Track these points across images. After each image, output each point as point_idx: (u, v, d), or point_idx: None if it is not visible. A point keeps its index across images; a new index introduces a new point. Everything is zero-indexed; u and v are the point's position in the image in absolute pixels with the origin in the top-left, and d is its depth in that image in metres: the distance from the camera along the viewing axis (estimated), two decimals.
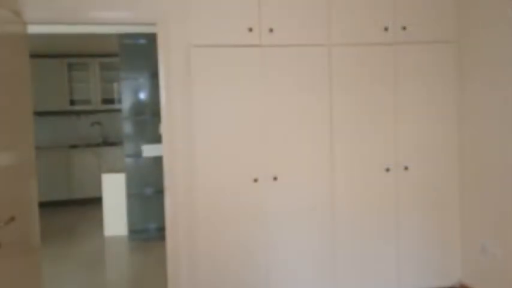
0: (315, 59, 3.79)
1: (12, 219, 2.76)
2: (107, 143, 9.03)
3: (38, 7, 3.51)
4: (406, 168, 3.96)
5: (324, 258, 3.89)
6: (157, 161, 5.73)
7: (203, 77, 3.63)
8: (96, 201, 7.42)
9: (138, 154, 6.36)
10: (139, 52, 6.32)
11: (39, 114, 8.38)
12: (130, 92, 6.46)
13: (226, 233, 3.73)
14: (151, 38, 4.21)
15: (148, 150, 6.23)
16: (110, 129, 9.21)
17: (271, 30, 3.68)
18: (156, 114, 4.89)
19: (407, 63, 3.92)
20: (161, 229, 5.00)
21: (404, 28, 3.88)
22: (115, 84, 8.91)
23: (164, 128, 3.81)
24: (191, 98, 3.64)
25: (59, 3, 3.57)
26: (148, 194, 6.41)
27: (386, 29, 3.86)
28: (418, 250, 4.04)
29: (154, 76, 6.17)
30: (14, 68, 3.21)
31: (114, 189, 6.54)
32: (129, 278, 5.02)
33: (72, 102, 8.91)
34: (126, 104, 6.46)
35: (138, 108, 6.48)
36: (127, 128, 6.49)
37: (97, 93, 8.98)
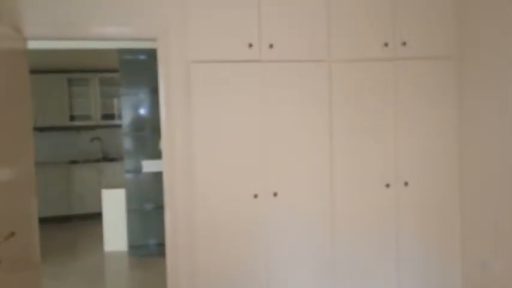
0: (315, 74, 3.80)
1: (12, 234, 2.75)
2: (107, 158, 9.03)
3: (38, 23, 3.52)
4: (406, 183, 3.95)
5: (323, 274, 3.87)
6: (157, 176, 5.73)
7: (203, 92, 3.64)
8: (96, 217, 7.41)
9: (138, 170, 6.36)
10: (139, 68, 6.35)
11: (39, 129, 8.40)
12: (130, 108, 6.47)
13: (227, 249, 3.71)
14: (151, 54, 4.23)
15: (148, 166, 6.23)
16: (109, 144, 9.22)
17: (271, 45, 3.70)
18: (156, 129, 4.89)
19: (407, 78, 3.93)
20: (161, 245, 4.98)
21: (404, 43, 3.89)
22: (115, 100, 8.94)
23: (164, 144, 3.80)
24: (191, 113, 3.64)
25: (59, 19, 3.58)
26: (148, 209, 6.39)
27: (386, 44, 3.87)
28: (419, 266, 4.01)
29: (154, 92, 6.19)
30: (14, 83, 3.21)
31: (114, 205, 6.53)
32: None
33: (72, 118, 8.92)
34: (126, 119, 6.47)
35: (138, 124, 6.49)
36: (127, 143, 6.49)
37: (97, 108, 8.99)
